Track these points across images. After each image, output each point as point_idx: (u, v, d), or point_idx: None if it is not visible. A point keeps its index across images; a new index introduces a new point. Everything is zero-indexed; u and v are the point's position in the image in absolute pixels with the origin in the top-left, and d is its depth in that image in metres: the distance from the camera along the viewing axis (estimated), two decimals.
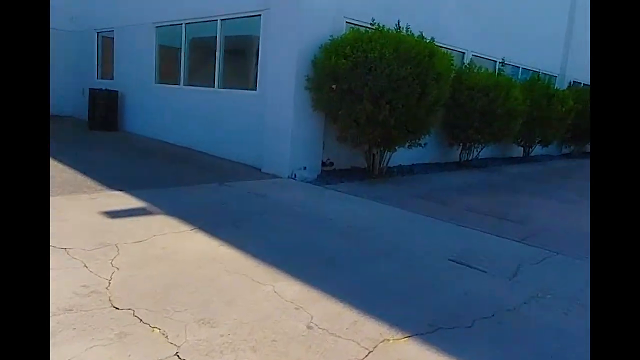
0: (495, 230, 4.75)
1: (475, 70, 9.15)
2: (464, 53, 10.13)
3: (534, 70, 12.58)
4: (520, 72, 12.29)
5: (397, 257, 3.80)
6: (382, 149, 7.08)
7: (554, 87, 11.41)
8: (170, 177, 6.34)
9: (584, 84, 15.01)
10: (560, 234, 4.94)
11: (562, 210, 6.30)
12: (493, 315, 2.85)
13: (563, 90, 11.18)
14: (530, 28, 12.16)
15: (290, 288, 3.05)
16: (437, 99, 6.83)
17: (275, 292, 2.97)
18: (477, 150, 9.82)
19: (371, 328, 2.60)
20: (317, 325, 2.59)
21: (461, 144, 9.59)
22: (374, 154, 7.27)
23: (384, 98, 6.20)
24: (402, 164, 8.74)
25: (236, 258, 3.49)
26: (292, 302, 2.84)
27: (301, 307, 2.78)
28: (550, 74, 13.70)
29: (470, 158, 9.84)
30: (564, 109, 10.86)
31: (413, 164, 8.96)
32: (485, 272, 3.58)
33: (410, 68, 6.14)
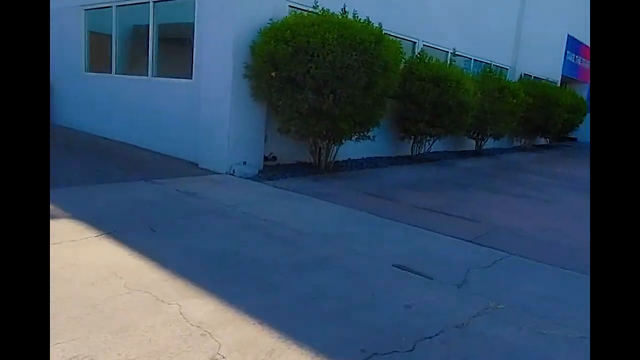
0: (445, 230, 4.40)
1: (426, 61, 8.86)
2: (415, 42, 9.83)
3: (485, 62, 12.50)
4: (472, 64, 12.17)
5: (335, 265, 3.35)
6: (328, 142, 6.63)
7: (505, 79, 11.32)
8: (91, 174, 5.63)
9: (534, 77, 15.16)
10: (512, 232, 4.65)
11: (515, 207, 6.07)
12: (438, 334, 2.44)
13: (514, 83, 11.12)
14: (482, 20, 12.05)
15: (202, 307, 2.53)
16: (385, 89, 6.45)
17: (181, 313, 2.45)
18: (429, 144, 9.57)
19: (291, 358, 2.13)
20: (224, 357, 2.10)
21: (413, 137, 9.30)
22: (320, 148, 6.82)
23: (328, 87, 5.74)
24: (351, 158, 8.34)
25: (143, 271, 2.93)
26: (199, 326, 2.33)
27: (209, 333, 2.28)
28: (502, 66, 13.69)
29: (422, 152, 9.58)
30: (515, 102, 10.79)
31: (363, 158, 8.59)
32: (432, 279, 3.19)
33: (356, 55, 5.71)
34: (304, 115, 5.94)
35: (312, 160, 7.02)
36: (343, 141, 6.73)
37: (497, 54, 13.10)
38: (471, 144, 12.03)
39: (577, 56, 18.98)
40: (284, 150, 7.00)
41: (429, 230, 4.36)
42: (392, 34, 7.98)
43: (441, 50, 10.57)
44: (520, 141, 14.33)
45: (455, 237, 4.20)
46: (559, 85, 17.45)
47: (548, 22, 15.68)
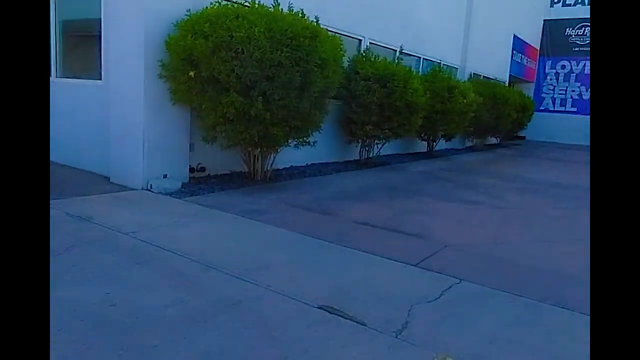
0: (388, 251, 3.79)
1: (372, 59, 8.32)
2: (361, 40, 9.29)
3: (435, 62, 12.17)
4: (422, 63, 11.80)
5: (245, 313, 2.65)
6: (261, 150, 5.92)
7: (454, 79, 10.99)
8: None
9: (484, 77, 15.04)
10: (463, 250, 4.10)
11: (467, 216, 5.57)
12: None
13: (464, 82, 10.81)
14: (431, 18, 11.71)
15: None
16: (324, 90, 5.80)
17: None
18: (378, 147, 9.04)
19: None
20: None
21: (360, 141, 8.73)
22: (254, 156, 6.10)
23: (256, 88, 5.04)
24: (294, 165, 7.68)
25: None
26: None
27: None
28: (452, 65, 13.44)
29: (371, 155, 9.03)
30: (465, 102, 10.46)
31: (307, 165, 7.94)
32: (365, 324, 2.55)
33: (288, 52, 5.04)
34: (231, 121, 5.21)
35: (247, 170, 6.29)
36: (278, 149, 6.04)
37: (447, 53, 12.82)
38: (423, 146, 11.65)
39: (522, 56, 19.17)
40: (214, 160, 6.24)
41: (369, 253, 3.74)
42: (333, 29, 7.38)
43: (389, 48, 10.10)
44: (472, 141, 14.14)
45: (399, 261, 3.60)
46: (507, 84, 17.50)
47: (495, 22, 15.63)
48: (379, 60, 8.44)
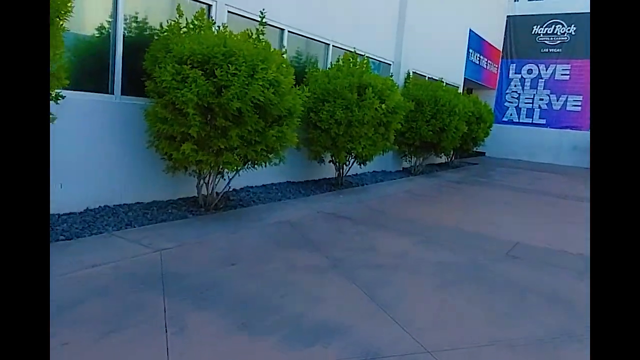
0: None
1: (196, 28, 4.74)
2: (211, 5, 5.69)
3: (351, 51, 8.74)
4: (329, 52, 8.29)
5: None
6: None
7: (371, 73, 7.44)
8: None
9: (429, 78, 11.68)
10: None
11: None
12: None
13: (385, 79, 7.32)
14: (361, 7, 8.29)
15: None
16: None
17: None
18: (238, 176, 5.39)
19: None
20: None
21: (192, 171, 5.08)
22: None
23: None
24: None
25: None
26: None
27: None
28: (382, 60, 10.00)
29: (227, 191, 5.38)
30: (383, 107, 6.95)
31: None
32: None
33: None
34: None
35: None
36: None
37: (373, 43, 9.37)
38: (332, 171, 8.11)
39: (481, 57, 15.98)
40: None
41: None
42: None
43: (272, 25, 6.53)
44: (410, 161, 10.68)
45: None
46: (461, 89, 14.21)
47: (444, 11, 12.34)
48: (213, 31, 4.87)
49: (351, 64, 7.34)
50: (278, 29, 7.03)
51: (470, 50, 14.90)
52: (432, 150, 10.40)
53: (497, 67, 17.97)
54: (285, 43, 7.08)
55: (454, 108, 9.68)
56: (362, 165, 7.56)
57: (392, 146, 7.76)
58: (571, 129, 16.75)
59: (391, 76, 8.36)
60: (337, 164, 7.58)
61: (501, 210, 7.10)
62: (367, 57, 9.47)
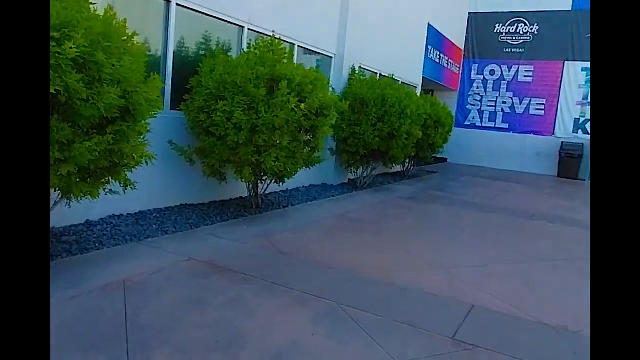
0: None
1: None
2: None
3: (312, 50, 7.10)
4: (243, 36, 6.55)
5: None
6: None
7: (288, 61, 5.71)
8: None
9: (382, 75, 10.10)
10: None
11: None
12: None
13: (308, 71, 5.62)
14: None
15: None
16: None
17: None
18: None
19: None
20: None
21: None
22: None
23: None
24: None
25: None
26: None
27: None
28: (321, 51, 8.34)
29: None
30: (303, 107, 5.24)
31: None
32: None
33: None
34: None
35: None
36: None
37: (309, 30, 7.70)
38: (243, 190, 6.36)
39: (442, 55, 14.58)
40: None
41: None
42: None
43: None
44: (355, 173, 9.03)
45: None
46: (419, 89, 12.74)
47: (399, 2, 10.82)
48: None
49: (268, 52, 5.61)
50: (163, 1, 5.26)
51: (430, 47, 13.45)
52: (381, 160, 8.79)
53: (460, 67, 16.66)
54: (172, 19, 5.30)
55: (405, 110, 8.09)
56: (278, 182, 5.83)
57: (319, 158, 6.05)
58: (534, 134, 15.57)
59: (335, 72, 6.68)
60: (250, 183, 5.83)
61: (455, 243, 5.51)
62: (303, 46, 7.80)
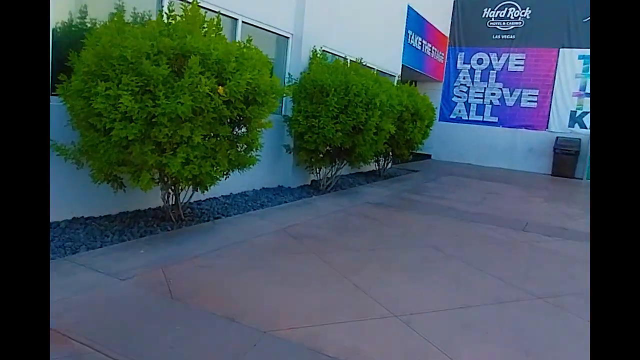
0: None
1: None
2: None
3: (263, 28, 5.76)
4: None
5: None
6: None
7: (199, 36, 4.34)
8: None
9: (346, 57, 8.78)
10: None
11: None
12: None
13: (231, 45, 4.28)
14: None
15: None
16: None
17: None
18: None
19: None
20: None
21: None
22: None
23: None
24: None
25: None
26: None
27: None
28: (274, 29, 7.00)
29: None
30: (224, 91, 3.92)
31: None
32: None
33: None
34: None
35: None
36: None
37: (261, 7, 6.36)
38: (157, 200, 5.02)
39: (424, 42, 13.30)
40: None
41: None
42: None
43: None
44: (318, 174, 7.72)
45: None
46: (396, 79, 11.44)
47: None
48: None
49: (183, 21, 4.26)
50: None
51: (410, 32, 12.16)
52: (346, 158, 7.49)
53: (444, 57, 15.40)
54: None
55: (373, 99, 6.80)
56: (198, 190, 4.50)
57: (253, 158, 4.72)
58: (526, 128, 14.38)
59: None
60: (166, 191, 4.50)
61: (424, 270, 4.23)
62: (243, 22, 6.45)
